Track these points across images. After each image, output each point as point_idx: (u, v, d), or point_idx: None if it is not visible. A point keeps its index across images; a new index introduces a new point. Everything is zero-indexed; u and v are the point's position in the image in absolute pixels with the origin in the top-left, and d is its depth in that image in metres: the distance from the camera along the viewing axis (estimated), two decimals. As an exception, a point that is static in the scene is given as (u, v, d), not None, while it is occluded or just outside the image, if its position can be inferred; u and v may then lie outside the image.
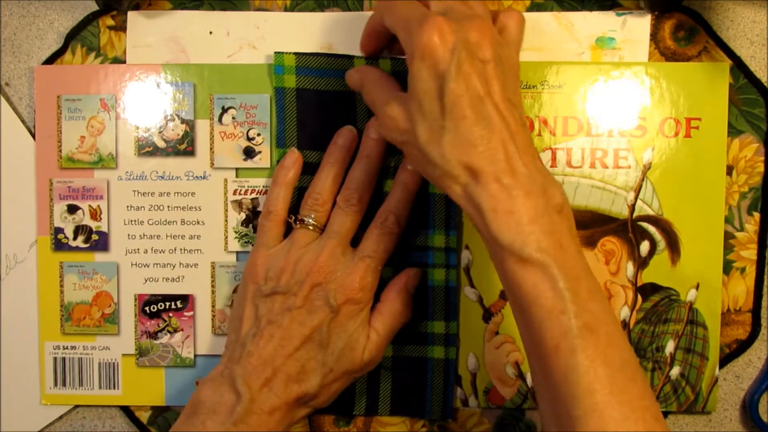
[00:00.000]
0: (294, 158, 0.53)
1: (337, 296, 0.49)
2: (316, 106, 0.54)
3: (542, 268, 0.40)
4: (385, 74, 0.51)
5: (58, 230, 0.55)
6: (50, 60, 0.56)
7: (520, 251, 0.40)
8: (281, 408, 0.48)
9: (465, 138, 0.42)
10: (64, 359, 0.56)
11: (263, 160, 0.55)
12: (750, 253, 0.55)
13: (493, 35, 0.43)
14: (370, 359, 0.51)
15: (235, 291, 0.55)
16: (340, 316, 0.49)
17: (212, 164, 0.55)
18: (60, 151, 0.55)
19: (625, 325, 0.55)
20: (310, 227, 0.51)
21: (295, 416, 0.49)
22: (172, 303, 0.56)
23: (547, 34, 0.55)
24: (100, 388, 0.56)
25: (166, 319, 0.56)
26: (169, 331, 0.56)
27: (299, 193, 0.54)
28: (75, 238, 0.55)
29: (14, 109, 0.56)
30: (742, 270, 0.55)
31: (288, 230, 0.53)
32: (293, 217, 0.52)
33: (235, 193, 0.55)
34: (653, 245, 0.55)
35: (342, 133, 0.53)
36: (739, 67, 0.55)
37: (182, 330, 0.56)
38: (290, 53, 0.54)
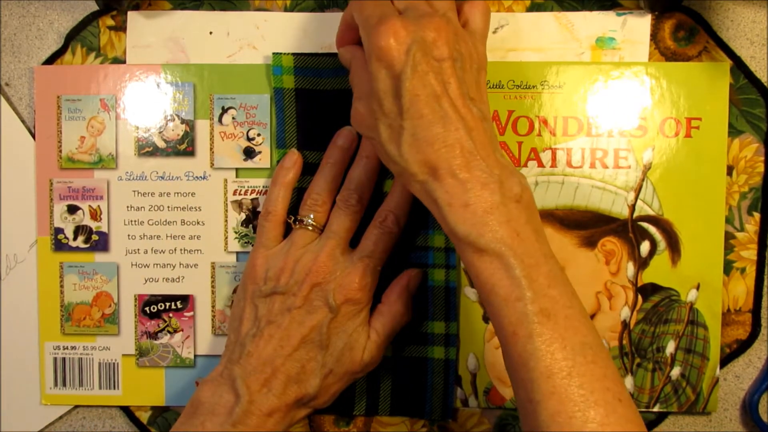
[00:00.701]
0: (294, 159, 0.53)
1: (336, 296, 0.49)
2: (316, 107, 0.54)
3: (498, 257, 0.41)
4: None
5: (58, 230, 0.55)
6: (50, 60, 0.56)
7: (476, 242, 0.41)
8: (280, 409, 0.48)
9: (422, 137, 0.43)
10: (64, 359, 0.56)
11: (263, 160, 0.55)
12: (750, 253, 0.55)
13: (450, 32, 0.43)
14: (371, 360, 0.51)
15: (235, 291, 0.55)
16: (339, 316, 0.49)
17: (212, 164, 0.55)
18: (60, 151, 0.55)
19: (625, 325, 0.55)
20: (310, 227, 0.51)
21: (294, 417, 0.49)
22: (172, 303, 0.56)
23: (547, 34, 0.55)
24: (100, 388, 0.56)
25: (166, 319, 0.56)
26: (169, 332, 0.56)
27: (299, 193, 0.54)
28: (75, 239, 0.55)
29: (14, 109, 0.56)
30: (743, 270, 0.55)
31: (288, 230, 0.53)
32: (292, 218, 0.52)
33: (235, 193, 0.55)
34: (654, 245, 0.54)
35: (342, 134, 0.53)
36: (739, 67, 0.54)
37: (182, 330, 0.56)
38: (288, 54, 0.54)
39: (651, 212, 0.54)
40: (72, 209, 0.55)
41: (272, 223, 0.52)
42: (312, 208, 0.52)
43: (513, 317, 0.41)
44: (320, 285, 0.49)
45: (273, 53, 0.54)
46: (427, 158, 0.43)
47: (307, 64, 0.54)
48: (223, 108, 0.55)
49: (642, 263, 0.55)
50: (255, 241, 0.53)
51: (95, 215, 0.55)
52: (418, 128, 0.43)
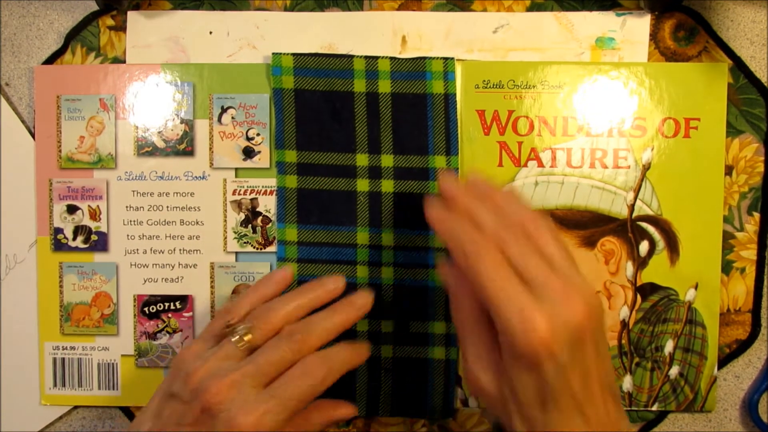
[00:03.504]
0: (283, 276, 0.49)
1: (222, 429, 0.42)
2: (315, 107, 0.54)
3: None
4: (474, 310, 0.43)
5: (58, 230, 0.55)
6: (50, 60, 0.56)
7: None
8: None
9: (559, 429, 0.40)
10: (63, 359, 0.56)
11: (262, 160, 0.55)
12: (750, 253, 0.55)
13: (588, 307, 0.39)
14: None
15: (234, 292, 0.55)
16: None
17: (211, 164, 0.55)
18: (60, 151, 0.55)
19: (624, 324, 0.55)
20: (241, 342, 0.45)
21: None
22: (171, 303, 0.56)
23: (547, 34, 0.55)
24: (99, 388, 0.56)
25: (165, 319, 0.56)
26: (168, 332, 0.56)
27: (300, 194, 0.54)
28: (74, 239, 0.56)
29: (14, 109, 0.56)
30: (742, 270, 0.55)
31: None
32: (229, 321, 0.47)
33: (234, 193, 0.55)
34: (652, 245, 0.55)
35: (334, 280, 0.49)
36: (739, 67, 0.54)
37: (181, 330, 0.56)
38: (288, 54, 0.54)
39: (650, 212, 0.54)
40: (71, 209, 0.55)
41: (224, 324, 0.47)
42: (256, 326, 0.46)
43: None
44: (209, 411, 0.42)
45: (272, 53, 0.54)
46: None
47: (306, 64, 0.54)
48: (222, 108, 0.55)
49: (641, 263, 0.55)
50: (201, 332, 0.48)
51: (95, 215, 0.55)
52: (556, 423, 0.39)
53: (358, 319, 0.47)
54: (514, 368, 0.39)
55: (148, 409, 0.45)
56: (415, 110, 0.54)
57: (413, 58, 0.54)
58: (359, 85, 0.54)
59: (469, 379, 0.42)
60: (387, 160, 0.54)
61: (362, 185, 0.54)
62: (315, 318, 0.46)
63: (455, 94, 0.54)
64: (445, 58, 0.54)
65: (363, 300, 0.48)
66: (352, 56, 0.54)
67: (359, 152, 0.54)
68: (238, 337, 0.45)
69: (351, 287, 0.52)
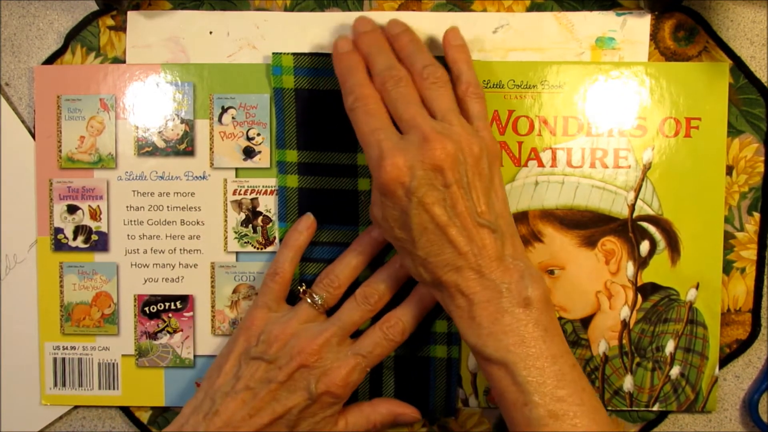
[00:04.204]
0: (308, 223, 0.54)
1: (318, 385, 0.48)
2: (316, 106, 0.54)
3: (503, 365, 0.44)
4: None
5: (58, 230, 0.55)
6: (50, 60, 0.56)
7: (482, 351, 0.45)
8: None
9: (433, 262, 0.46)
10: (63, 359, 0.56)
11: (263, 160, 0.55)
12: (750, 253, 0.55)
13: (454, 151, 0.45)
14: None
15: (234, 291, 0.55)
16: (315, 404, 0.49)
17: (212, 164, 0.55)
18: (60, 151, 0.55)
19: (625, 324, 0.55)
20: (316, 306, 0.51)
21: None
22: (172, 303, 0.56)
23: (547, 34, 0.55)
24: (99, 388, 0.56)
25: (166, 319, 0.56)
26: (168, 332, 0.56)
27: (300, 192, 0.54)
28: (75, 239, 0.55)
29: (14, 109, 0.56)
30: (742, 270, 0.55)
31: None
32: (303, 287, 0.52)
33: (234, 193, 0.55)
34: (653, 245, 0.55)
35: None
36: (739, 67, 0.55)
37: (182, 330, 0.56)
38: (288, 54, 0.54)
39: (651, 212, 0.54)
40: (72, 209, 0.55)
41: (278, 284, 0.52)
42: (326, 289, 0.52)
43: (521, 421, 0.43)
44: (307, 368, 0.49)
45: (273, 53, 0.54)
46: (439, 279, 0.46)
47: (306, 64, 0.54)
48: (222, 108, 0.55)
49: (642, 263, 0.55)
50: (257, 299, 0.53)
51: (95, 215, 0.55)
52: (429, 255, 0.46)
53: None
54: (381, 201, 0.46)
55: (223, 371, 0.50)
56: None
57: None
58: None
59: (371, 213, 0.49)
60: None
61: (363, 184, 0.54)
62: (379, 277, 0.52)
63: (456, 93, 0.54)
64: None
65: None
66: (351, 55, 0.54)
67: (360, 151, 0.54)
68: (312, 301, 0.51)
69: (353, 285, 0.52)
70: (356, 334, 0.52)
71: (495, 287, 0.45)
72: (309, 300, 0.51)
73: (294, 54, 0.54)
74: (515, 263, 0.46)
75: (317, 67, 0.54)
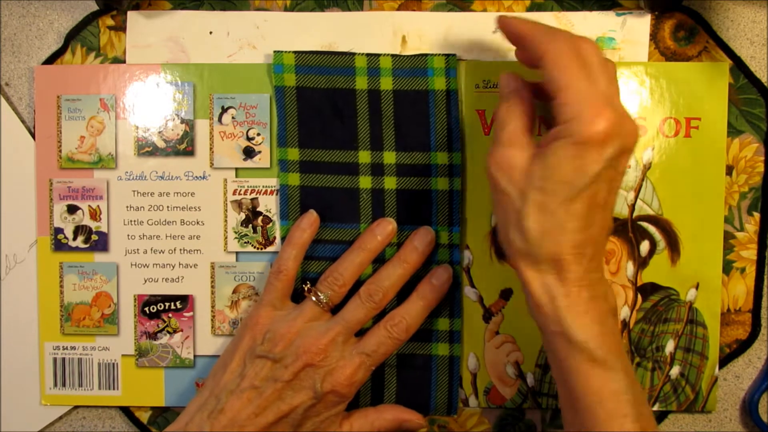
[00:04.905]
0: (311, 220, 0.53)
1: (324, 384, 0.49)
2: (317, 105, 0.54)
3: (612, 371, 0.42)
4: (525, 102, 0.46)
5: (58, 230, 0.55)
6: (50, 60, 0.56)
7: (593, 352, 0.42)
8: None
9: (570, 236, 0.42)
10: (63, 360, 0.56)
11: (263, 159, 0.55)
12: (750, 253, 0.55)
13: (633, 146, 0.43)
14: None
15: (234, 291, 0.55)
16: (320, 403, 0.49)
17: (212, 164, 0.55)
18: (60, 151, 0.55)
19: (625, 324, 0.55)
20: (321, 304, 0.51)
21: None
22: (172, 303, 0.56)
23: (546, 34, 0.55)
24: (99, 388, 0.56)
25: (166, 319, 0.56)
26: (168, 332, 0.56)
27: (302, 191, 0.54)
28: (75, 239, 0.55)
29: (14, 109, 0.56)
30: (742, 270, 0.55)
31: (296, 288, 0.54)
32: (308, 285, 0.52)
33: (234, 193, 0.55)
34: (653, 245, 0.55)
35: (381, 224, 0.53)
36: (739, 67, 0.55)
37: (182, 330, 0.56)
38: (289, 52, 0.54)
39: (650, 212, 0.54)
40: (72, 209, 0.55)
41: (282, 282, 0.52)
42: (331, 287, 0.52)
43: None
44: (313, 367, 0.49)
45: (274, 51, 0.54)
46: (561, 257, 0.42)
47: (308, 62, 0.54)
48: (222, 108, 0.55)
49: (641, 263, 0.55)
50: (262, 296, 0.53)
51: (95, 215, 0.55)
52: (572, 225, 0.42)
53: (419, 264, 0.52)
54: (561, 150, 0.41)
55: (228, 369, 0.50)
56: (417, 107, 0.54)
57: (415, 55, 0.54)
58: (361, 83, 0.54)
59: (501, 156, 0.44)
60: (389, 157, 0.54)
61: (365, 182, 0.54)
62: (383, 275, 0.52)
63: (457, 91, 0.54)
64: (447, 55, 0.54)
65: (389, 225, 0.53)
66: (353, 54, 0.54)
67: (361, 149, 0.54)
68: (317, 300, 0.51)
69: (356, 285, 0.53)
70: (360, 331, 0.52)
71: (600, 287, 0.44)
72: (314, 298, 0.51)
73: (295, 52, 0.54)
74: (603, 270, 0.46)
75: (319, 65, 0.54)
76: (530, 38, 0.45)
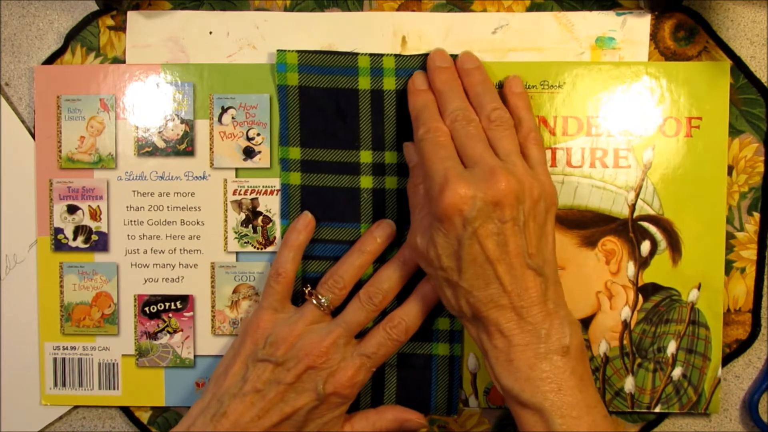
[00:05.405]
0: (306, 222, 0.54)
1: (326, 385, 0.49)
2: (319, 104, 0.54)
3: (537, 411, 0.44)
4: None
5: (58, 230, 0.55)
6: (50, 60, 0.56)
7: (518, 396, 0.45)
8: None
9: (476, 296, 0.46)
10: (64, 360, 0.56)
11: (263, 160, 0.55)
12: (750, 253, 0.55)
13: (515, 190, 0.45)
14: None
15: (234, 291, 0.55)
16: (323, 405, 0.50)
17: (212, 164, 0.55)
18: (60, 151, 0.55)
19: (626, 325, 0.55)
20: (322, 308, 0.52)
21: None
22: (172, 303, 0.56)
23: (547, 34, 0.55)
24: (99, 388, 0.56)
25: (166, 319, 0.56)
26: (168, 332, 0.56)
27: (304, 191, 0.54)
28: (75, 239, 0.55)
29: (14, 109, 0.56)
30: (742, 270, 0.55)
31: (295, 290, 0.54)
32: (308, 288, 0.53)
33: (234, 193, 0.55)
34: (654, 245, 0.54)
35: (381, 226, 0.54)
36: (739, 67, 0.55)
37: (182, 330, 0.56)
38: (292, 51, 0.54)
39: (651, 212, 0.54)
40: (72, 209, 0.55)
41: (281, 285, 0.52)
42: (331, 290, 0.52)
43: None
44: (315, 369, 0.49)
45: (277, 50, 0.54)
46: (480, 314, 0.46)
47: (311, 61, 0.54)
48: (222, 108, 0.55)
49: (642, 263, 0.55)
50: (262, 300, 0.53)
51: (95, 215, 0.55)
52: (474, 288, 0.46)
53: (411, 258, 0.52)
54: (436, 228, 0.46)
55: (230, 374, 0.51)
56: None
57: (417, 55, 0.54)
58: (364, 83, 0.54)
59: (410, 242, 0.50)
60: (391, 157, 0.54)
61: (366, 182, 0.54)
62: (382, 276, 0.52)
63: (458, 91, 0.54)
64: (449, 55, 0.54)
65: (388, 228, 0.54)
66: (356, 54, 0.54)
67: (363, 149, 0.54)
68: (317, 302, 0.52)
69: (356, 284, 0.53)
70: (361, 332, 0.52)
71: (535, 331, 0.45)
72: (315, 301, 0.52)
73: (299, 51, 0.54)
74: (556, 310, 0.46)
75: (322, 64, 0.54)
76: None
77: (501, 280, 0.45)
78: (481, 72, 0.52)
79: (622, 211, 0.54)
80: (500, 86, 0.54)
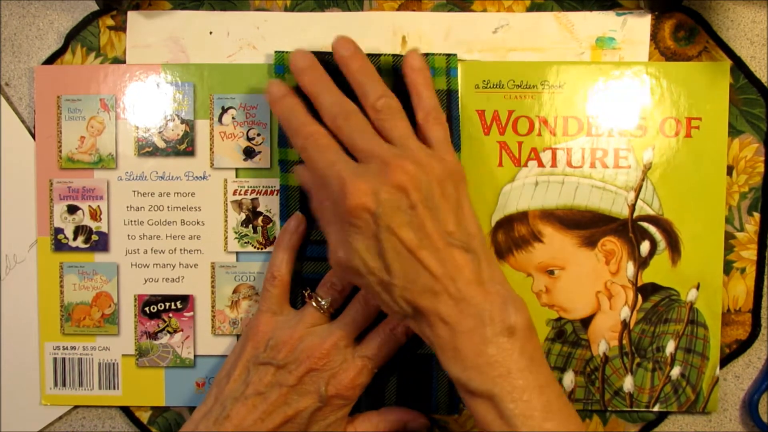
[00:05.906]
0: (297, 222, 0.53)
1: (328, 387, 0.49)
2: (317, 105, 0.54)
3: (489, 399, 0.43)
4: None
5: (58, 230, 0.55)
6: (50, 60, 0.56)
7: (467, 385, 0.43)
8: None
9: (411, 289, 0.44)
10: (64, 359, 0.56)
11: (263, 160, 0.55)
12: (750, 253, 0.55)
13: (415, 173, 0.44)
14: None
15: (234, 291, 0.55)
16: (326, 407, 0.49)
17: (212, 164, 0.55)
18: (60, 151, 0.55)
19: (625, 325, 0.55)
20: (322, 310, 0.51)
21: None
22: (172, 303, 0.56)
23: (547, 34, 0.55)
24: (100, 388, 0.56)
25: (166, 319, 0.56)
26: (168, 332, 0.56)
27: (303, 192, 0.54)
28: (75, 239, 0.55)
29: (14, 109, 0.56)
30: (742, 270, 0.55)
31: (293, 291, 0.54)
32: (308, 291, 0.53)
33: (234, 193, 0.55)
34: (653, 245, 0.54)
35: None
36: (739, 67, 0.55)
37: (182, 330, 0.56)
38: (291, 52, 0.54)
39: (651, 212, 0.54)
40: (72, 209, 0.55)
41: (278, 288, 0.52)
42: (330, 292, 0.52)
43: None
44: (317, 371, 0.49)
45: (275, 52, 0.54)
46: (417, 306, 0.44)
47: (308, 62, 0.54)
48: (223, 108, 0.55)
49: (642, 263, 0.55)
50: (260, 304, 0.53)
51: (95, 215, 0.55)
52: (406, 282, 0.44)
53: None
54: (350, 233, 0.44)
55: (232, 378, 0.50)
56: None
57: (416, 56, 0.54)
58: None
59: (333, 259, 0.47)
60: None
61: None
62: None
63: (457, 91, 0.54)
64: (447, 55, 0.54)
65: None
66: (355, 54, 0.54)
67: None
68: (317, 305, 0.51)
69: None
70: (362, 332, 0.52)
71: (477, 314, 0.43)
72: (314, 304, 0.52)
73: (296, 52, 0.54)
74: (495, 288, 0.44)
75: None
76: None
77: (428, 267, 0.44)
78: (359, 58, 0.50)
79: (621, 211, 0.55)
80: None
